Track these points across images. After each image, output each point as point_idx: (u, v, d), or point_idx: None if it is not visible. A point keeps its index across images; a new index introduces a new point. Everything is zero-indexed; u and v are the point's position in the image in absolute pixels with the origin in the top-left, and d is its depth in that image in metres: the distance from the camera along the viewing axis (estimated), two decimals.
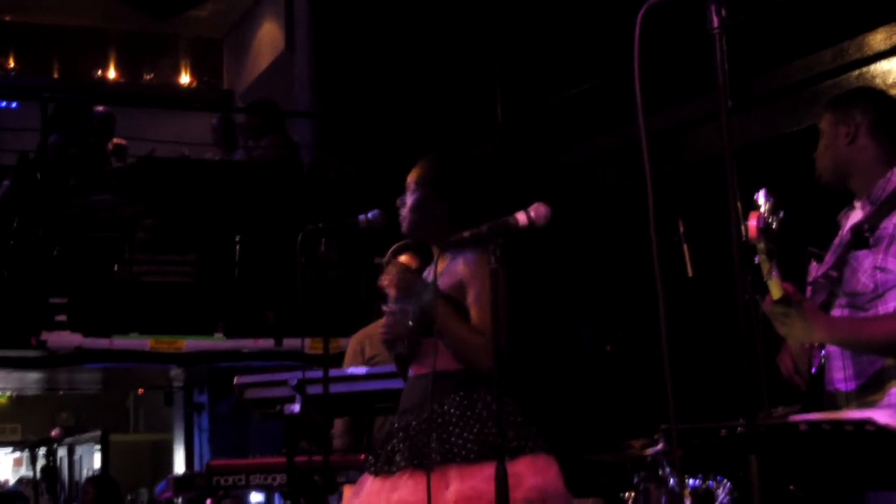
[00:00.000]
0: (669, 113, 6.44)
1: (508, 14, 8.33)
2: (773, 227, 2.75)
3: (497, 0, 8.44)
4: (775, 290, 2.79)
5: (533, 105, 8.03)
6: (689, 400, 3.04)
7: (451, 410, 3.22)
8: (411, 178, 3.56)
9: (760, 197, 2.83)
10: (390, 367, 4.17)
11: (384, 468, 3.27)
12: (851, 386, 2.95)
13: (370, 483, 3.32)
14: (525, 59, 8.21)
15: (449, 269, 3.38)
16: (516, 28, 8.29)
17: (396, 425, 3.34)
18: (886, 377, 2.89)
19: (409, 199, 3.52)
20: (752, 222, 2.82)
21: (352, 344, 4.83)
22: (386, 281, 3.32)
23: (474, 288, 3.26)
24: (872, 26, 5.57)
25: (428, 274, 3.43)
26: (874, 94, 3.40)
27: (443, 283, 3.33)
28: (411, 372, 3.42)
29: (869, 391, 2.91)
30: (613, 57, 6.62)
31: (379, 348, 4.65)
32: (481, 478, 3.02)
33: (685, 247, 5.12)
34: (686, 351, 5.88)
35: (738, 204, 2.23)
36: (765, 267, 2.79)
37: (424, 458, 3.15)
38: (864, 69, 5.64)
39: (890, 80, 5.51)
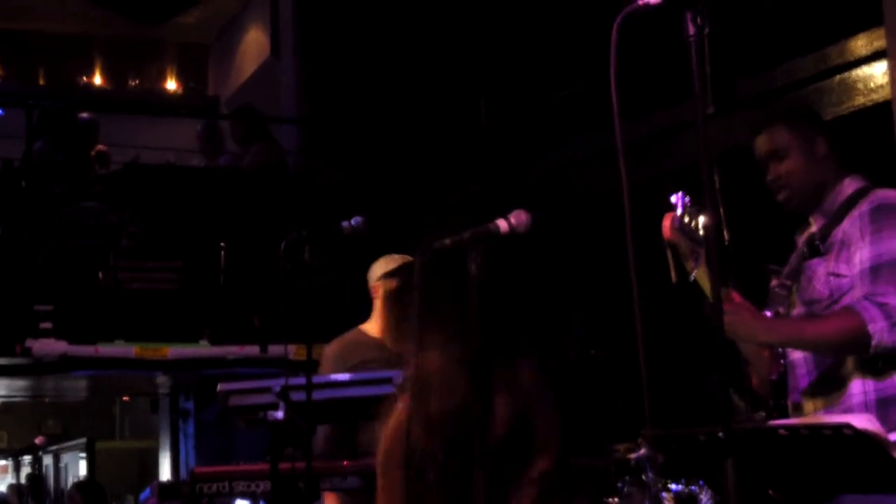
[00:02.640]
0: (655, 117, 6.45)
1: (492, 20, 8.35)
2: (694, 227, 2.80)
3: (481, 7, 8.46)
4: (705, 285, 2.82)
5: (517, 109, 8.04)
6: (676, 404, 3.05)
7: None
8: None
9: (676, 198, 2.88)
10: (375, 373, 4.18)
11: None
12: (814, 387, 2.97)
13: None
14: (509, 64, 8.22)
15: None
16: (500, 34, 8.30)
17: None
18: (845, 374, 2.92)
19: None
20: (667, 223, 2.88)
21: (330, 353, 4.72)
22: None
23: None
24: (853, 32, 5.60)
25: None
26: (812, 111, 3.44)
27: None
28: None
29: (829, 390, 2.93)
30: (599, 60, 6.63)
31: (363, 356, 4.63)
32: None
33: (668, 252, 5.13)
34: (671, 355, 5.90)
35: (721, 210, 2.25)
36: (688, 266, 2.85)
37: None
38: (846, 74, 5.67)
39: (871, 85, 5.54)
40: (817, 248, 2.98)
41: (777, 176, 3.10)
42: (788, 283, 3.00)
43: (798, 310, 2.99)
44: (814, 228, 3.07)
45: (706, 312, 2.80)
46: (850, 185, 3.07)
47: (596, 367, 7.23)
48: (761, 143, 3.15)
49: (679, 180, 6.14)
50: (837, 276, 2.91)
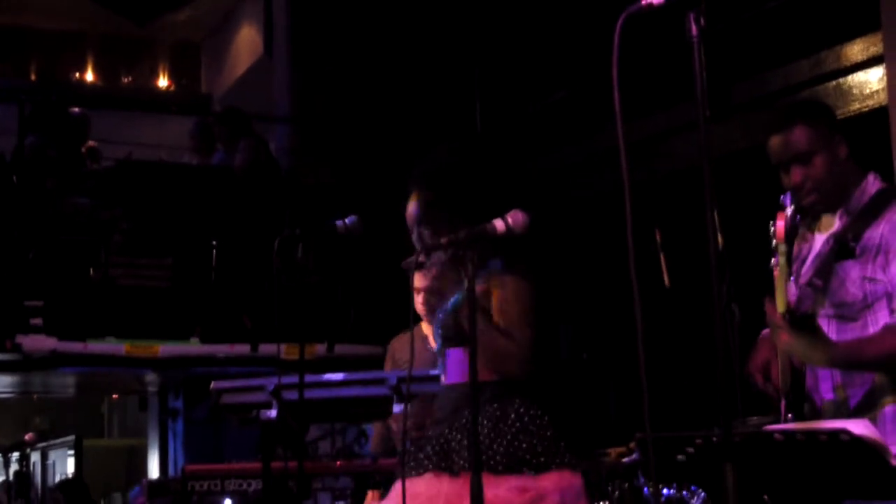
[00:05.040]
0: (649, 121, 6.45)
1: (487, 22, 8.33)
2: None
3: (476, 9, 8.45)
4: (782, 300, 2.77)
5: (512, 113, 8.03)
6: (666, 408, 3.03)
7: (484, 422, 3.23)
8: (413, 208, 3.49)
9: (786, 199, 2.82)
10: (380, 373, 4.17)
11: (412, 472, 3.28)
12: (841, 399, 2.94)
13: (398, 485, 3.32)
14: (504, 66, 8.21)
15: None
16: (495, 36, 8.29)
17: (431, 433, 3.35)
18: (879, 395, 2.88)
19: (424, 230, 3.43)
20: (781, 223, 2.79)
21: (390, 348, 4.89)
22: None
23: (503, 292, 3.34)
24: (849, 37, 5.60)
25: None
26: (825, 106, 3.34)
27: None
28: (443, 380, 3.42)
29: (861, 409, 2.89)
30: (593, 65, 6.63)
31: (408, 353, 4.65)
32: (506, 488, 3.09)
33: (662, 256, 5.14)
34: (663, 360, 5.89)
35: (716, 214, 2.23)
36: (783, 271, 2.77)
37: (452, 463, 3.20)
38: (841, 80, 5.67)
39: (866, 91, 5.54)
40: (851, 249, 2.91)
41: (804, 179, 2.99)
42: (819, 283, 2.95)
43: (826, 311, 2.95)
44: (837, 225, 3.01)
45: (770, 321, 2.83)
46: (873, 184, 3.03)
47: (587, 370, 7.22)
48: (782, 146, 3.02)
49: (671, 184, 6.14)
50: (873, 280, 2.88)
